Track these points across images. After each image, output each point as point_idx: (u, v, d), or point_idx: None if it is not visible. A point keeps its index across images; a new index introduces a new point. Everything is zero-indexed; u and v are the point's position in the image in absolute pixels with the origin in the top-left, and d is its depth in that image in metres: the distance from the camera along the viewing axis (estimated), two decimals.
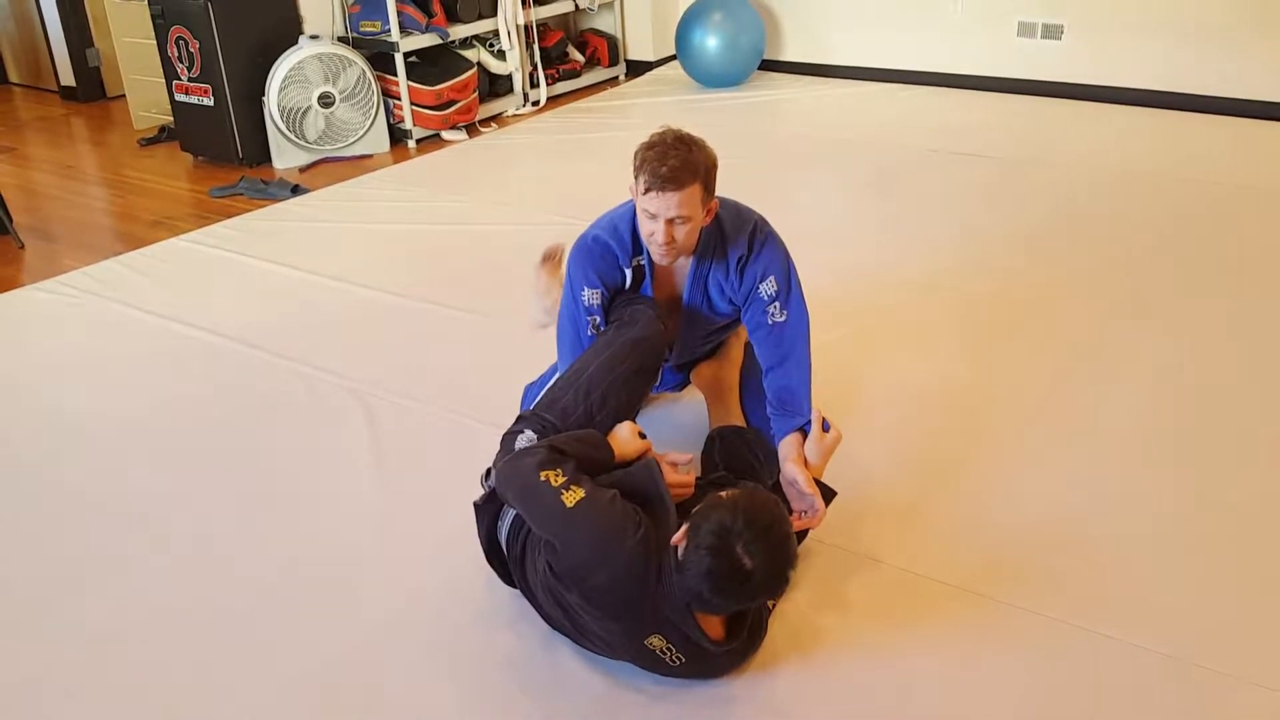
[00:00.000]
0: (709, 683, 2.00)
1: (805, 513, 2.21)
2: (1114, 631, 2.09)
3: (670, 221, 2.22)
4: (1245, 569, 2.26)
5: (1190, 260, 3.73)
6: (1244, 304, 3.39)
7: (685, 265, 2.42)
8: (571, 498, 1.93)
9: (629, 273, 2.43)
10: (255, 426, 2.94)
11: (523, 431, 2.22)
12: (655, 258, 2.35)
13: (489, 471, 2.22)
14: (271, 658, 2.12)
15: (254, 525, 2.53)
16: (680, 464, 2.22)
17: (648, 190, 2.20)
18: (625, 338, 2.34)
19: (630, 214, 2.40)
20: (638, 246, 2.41)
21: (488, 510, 2.19)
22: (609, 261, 2.41)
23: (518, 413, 2.78)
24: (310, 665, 2.09)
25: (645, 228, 2.28)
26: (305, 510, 2.57)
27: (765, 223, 2.42)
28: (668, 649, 1.94)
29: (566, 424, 2.24)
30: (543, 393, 2.35)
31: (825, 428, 2.26)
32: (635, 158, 2.24)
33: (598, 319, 2.42)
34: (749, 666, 2.04)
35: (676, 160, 2.18)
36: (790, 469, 2.23)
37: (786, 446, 2.29)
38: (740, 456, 2.48)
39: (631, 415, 2.32)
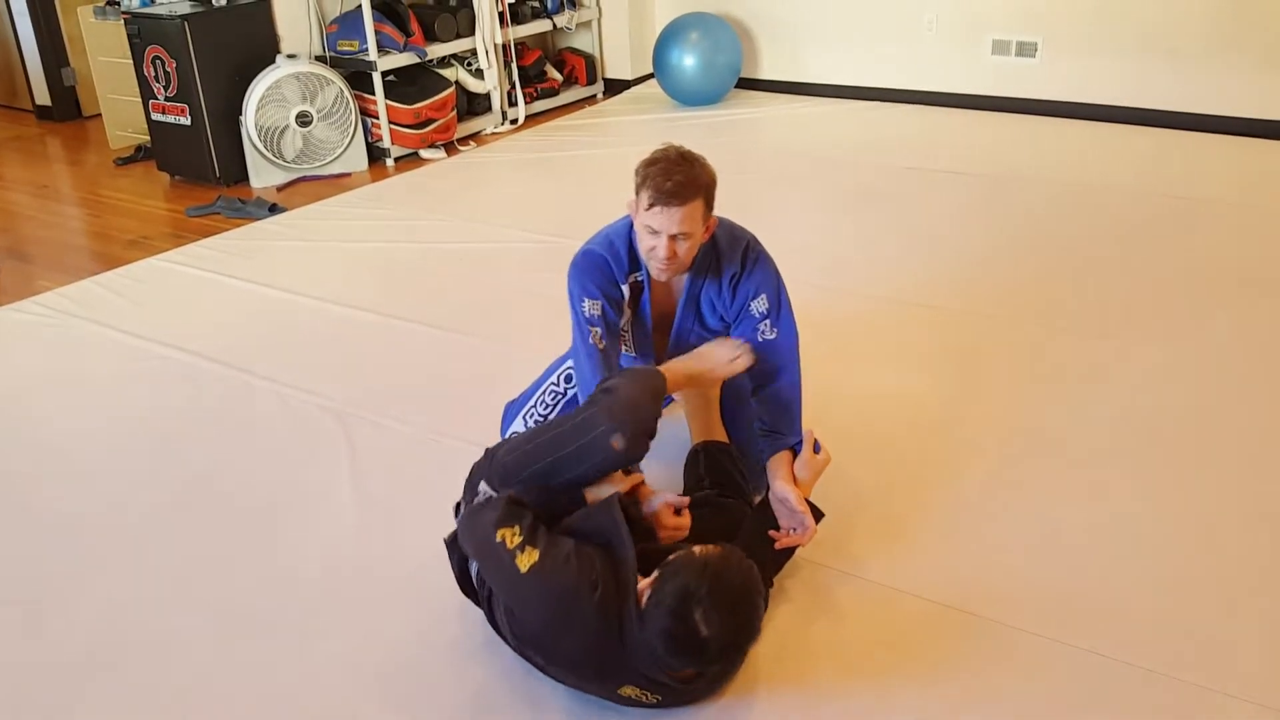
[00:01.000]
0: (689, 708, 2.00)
1: (794, 530, 2.22)
2: (1096, 646, 2.10)
3: (673, 238, 2.23)
4: (1225, 582, 2.27)
5: (1164, 275, 3.76)
6: (1219, 317, 3.43)
7: (680, 282, 2.44)
8: (526, 560, 1.85)
9: (625, 288, 2.44)
10: (232, 446, 2.92)
11: (482, 480, 2.15)
12: (654, 273, 2.36)
13: (458, 506, 2.20)
14: (248, 680, 2.10)
15: (231, 546, 2.51)
16: (679, 507, 2.17)
17: (651, 206, 2.21)
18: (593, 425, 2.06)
19: (626, 230, 2.41)
20: (634, 263, 2.42)
21: (458, 547, 2.13)
22: (606, 274, 2.42)
23: (499, 430, 2.80)
24: (287, 687, 2.08)
25: (646, 243, 2.29)
26: (282, 531, 2.56)
27: (757, 241, 2.44)
28: (641, 694, 1.92)
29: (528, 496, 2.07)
30: (514, 452, 2.15)
31: (816, 449, 2.28)
32: (637, 174, 2.25)
33: (599, 330, 2.41)
34: (731, 685, 2.04)
35: (681, 176, 2.20)
36: (781, 487, 2.24)
37: (776, 464, 2.30)
38: (724, 471, 2.48)
39: None
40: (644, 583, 1.86)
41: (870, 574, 2.33)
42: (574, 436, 2.06)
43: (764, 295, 2.38)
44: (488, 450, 2.21)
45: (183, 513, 2.64)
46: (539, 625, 1.90)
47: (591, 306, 2.41)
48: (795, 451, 2.31)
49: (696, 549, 1.85)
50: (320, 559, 2.45)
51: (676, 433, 2.74)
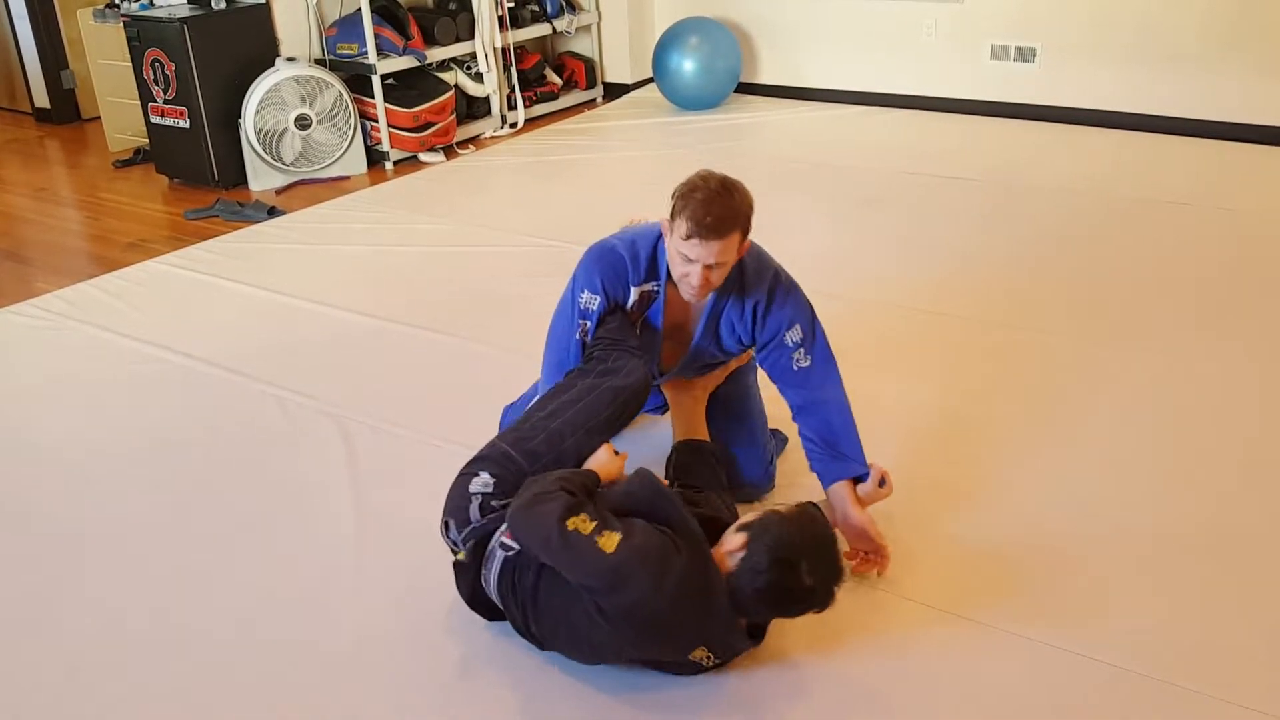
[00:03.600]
0: (678, 696, 1.99)
1: (869, 554, 2.30)
2: (1092, 652, 2.10)
3: (708, 267, 2.22)
4: (1222, 589, 2.27)
5: (1167, 281, 3.76)
6: (1222, 324, 3.43)
7: (701, 300, 2.40)
8: (609, 542, 1.89)
9: (634, 292, 2.41)
10: (230, 450, 2.92)
11: (478, 474, 2.16)
12: (686, 296, 2.33)
13: (447, 524, 2.15)
14: (247, 684, 2.10)
15: (230, 551, 2.50)
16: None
17: (690, 237, 2.18)
18: (606, 385, 2.28)
19: (654, 238, 2.40)
20: (652, 271, 2.40)
21: (469, 569, 2.13)
22: (619, 273, 2.40)
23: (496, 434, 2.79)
24: (287, 690, 2.07)
25: (679, 269, 2.26)
26: (282, 535, 2.55)
27: (785, 272, 2.44)
28: (707, 656, 1.99)
29: (534, 468, 2.16)
30: (511, 428, 2.28)
31: (881, 483, 2.33)
32: (675, 199, 2.21)
33: (589, 324, 2.41)
34: (727, 688, 2.03)
35: (721, 210, 2.16)
36: (857, 517, 2.29)
37: (841, 492, 2.33)
38: (688, 468, 2.51)
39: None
40: (728, 545, 1.95)
41: (869, 578, 2.32)
42: (597, 383, 2.28)
43: (798, 325, 2.39)
44: (480, 455, 2.21)
45: (180, 516, 2.64)
46: (637, 593, 1.88)
47: (589, 300, 2.40)
48: (857, 480, 2.33)
49: (778, 506, 1.98)
50: (318, 563, 2.45)
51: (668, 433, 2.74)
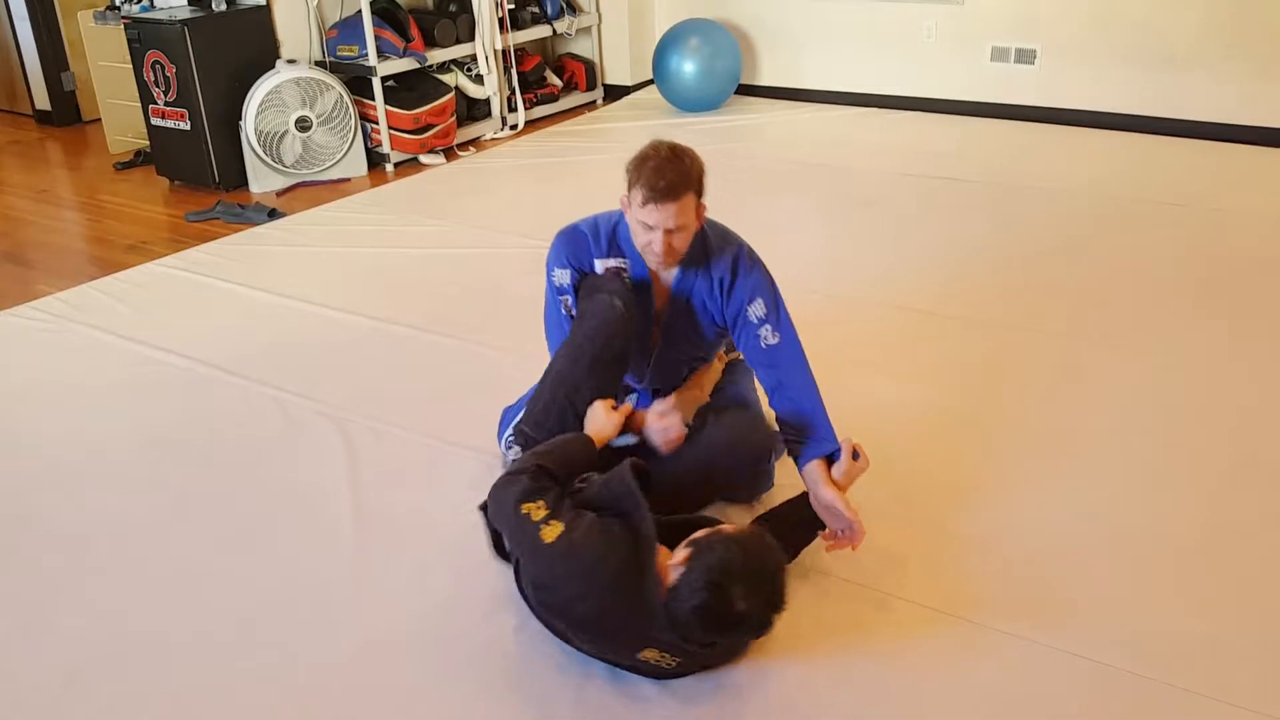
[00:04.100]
0: (678, 697, 2.00)
1: (843, 532, 2.27)
2: (1089, 653, 2.10)
3: (669, 232, 2.29)
4: (1219, 589, 2.27)
5: (1166, 282, 3.77)
6: (1222, 325, 3.43)
7: (670, 276, 2.49)
8: (551, 533, 1.94)
9: (599, 265, 2.50)
10: (230, 452, 2.92)
11: (512, 447, 2.36)
12: (651, 265, 2.42)
13: (484, 506, 2.23)
14: (247, 686, 2.09)
15: (230, 552, 2.50)
16: (664, 411, 2.34)
17: (646, 203, 2.26)
18: (583, 330, 2.41)
19: (615, 217, 2.49)
20: (615, 248, 2.48)
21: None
22: (582, 247, 2.51)
23: (496, 435, 2.80)
24: (286, 693, 2.07)
25: (642, 239, 2.34)
26: (281, 537, 2.55)
27: (749, 248, 2.48)
28: (661, 656, 1.98)
29: (541, 432, 2.32)
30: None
31: (855, 456, 2.29)
32: (629, 171, 2.30)
33: (569, 299, 2.51)
34: (722, 690, 2.03)
35: (673, 173, 2.26)
36: (826, 494, 2.26)
37: (815, 472, 2.30)
38: None
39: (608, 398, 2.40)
40: (674, 558, 1.93)
41: (868, 580, 2.32)
42: (576, 331, 2.42)
43: (760, 299, 2.40)
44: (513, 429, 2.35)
45: (180, 518, 2.64)
46: (563, 594, 1.97)
47: (560, 276, 2.52)
48: (833, 458, 2.31)
49: (727, 527, 1.96)
50: (318, 565, 2.44)
51: None
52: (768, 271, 2.46)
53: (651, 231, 2.30)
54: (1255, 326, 3.41)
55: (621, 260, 2.49)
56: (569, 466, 2.16)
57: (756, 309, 2.40)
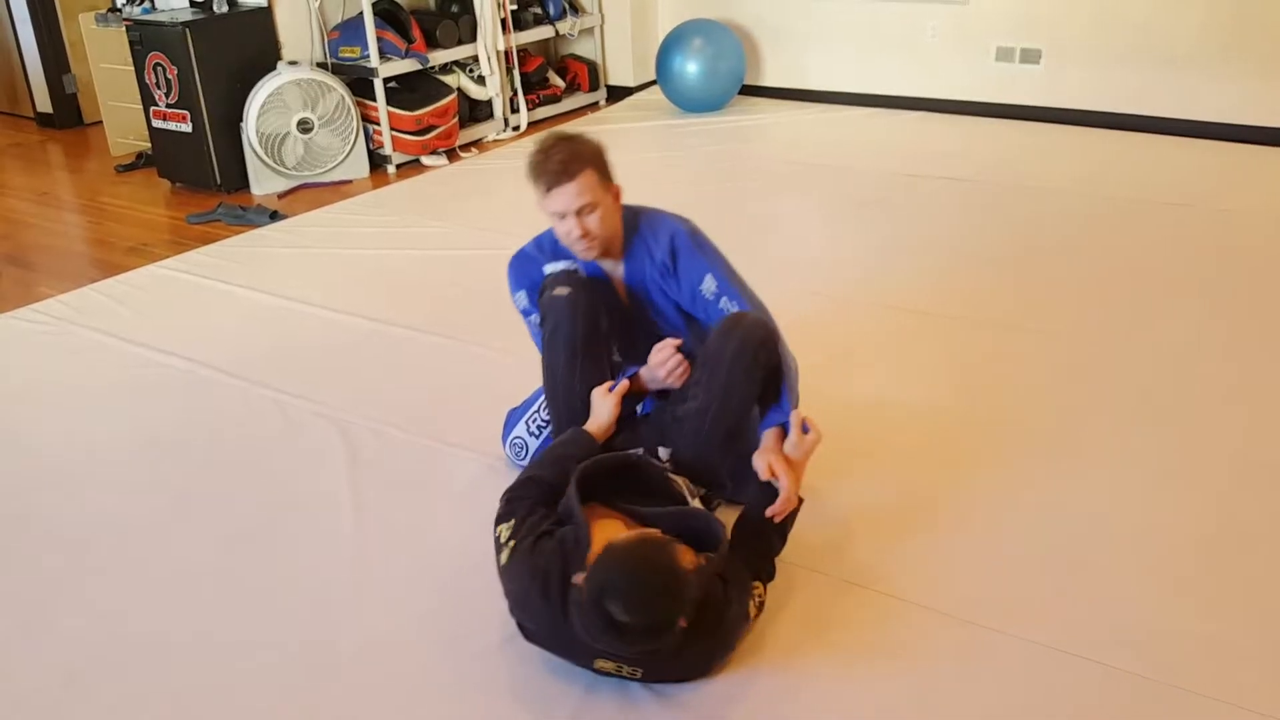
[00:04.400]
0: (682, 696, 1.98)
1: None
2: (1095, 655, 2.08)
3: (578, 214, 2.32)
4: (1225, 591, 2.25)
5: (1169, 282, 3.74)
6: (1224, 325, 3.41)
7: (620, 271, 2.51)
8: (505, 554, 2.04)
9: (548, 269, 2.53)
10: (231, 454, 2.90)
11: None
12: (581, 256, 2.44)
13: None
14: (248, 687, 2.08)
15: (230, 554, 2.49)
16: (658, 349, 2.38)
17: (547, 191, 2.31)
18: (547, 332, 2.45)
19: (551, 231, 2.52)
20: (559, 256, 2.52)
21: None
22: (530, 266, 2.56)
23: (500, 437, 2.79)
24: (287, 694, 2.06)
25: (561, 231, 2.38)
26: (282, 538, 2.54)
27: (688, 228, 2.47)
28: (618, 667, 1.98)
29: (554, 433, 2.47)
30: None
31: (805, 429, 2.26)
32: (528, 173, 2.34)
33: (536, 316, 2.53)
34: (728, 693, 2.01)
35: (562, 154, 2.31)
36: (755, 459, 2.26)
37: (766, 438, 2.30)
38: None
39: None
40: (576, 577, 1.95)
41: (871, 582, 2.31)
42: (544, 346, 2.47)
43: (709, 276, 2.41)
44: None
45: (181, 521, 2.63)
46: (514, 608, 2.06)
47: (519, 299, 2.59)
48: (786, 430, 2.28)
49: (621, 537, 1.92)
50: (319, 566, 2.43)
51: None
52: (709, 244, 2.46)
53: (564, 220, 2.33)
54: (1259, 326, 3.39)
55: (569, 263, 2.51)
56: (561, 465, 2.19)
57: (709, 286, 2.41)
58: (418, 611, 2.27)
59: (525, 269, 2.57)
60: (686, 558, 1.91)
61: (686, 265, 2.42)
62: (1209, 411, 2.93)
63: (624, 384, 2.42)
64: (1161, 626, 2.15)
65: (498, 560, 2.07)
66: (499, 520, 2.11)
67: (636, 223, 2.48)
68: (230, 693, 2.08)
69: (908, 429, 2.90)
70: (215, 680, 2.11)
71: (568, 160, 2.29)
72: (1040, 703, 1.98)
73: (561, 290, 2.42)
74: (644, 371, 2.45)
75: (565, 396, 2.44)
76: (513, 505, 2.13)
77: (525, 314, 2.59)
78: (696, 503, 2.23)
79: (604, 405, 2.37)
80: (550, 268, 2.52)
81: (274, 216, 4.82)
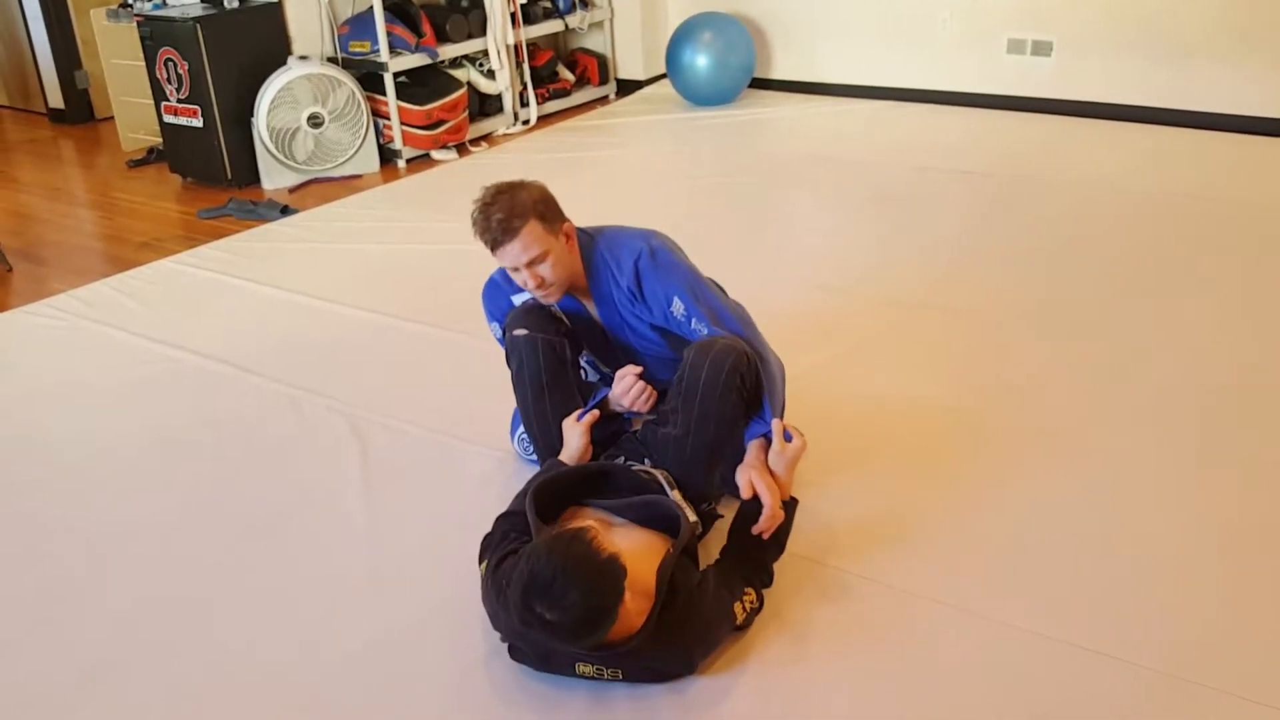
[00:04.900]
0: (682, 697, 1.98)
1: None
2: (1104, 647, 2.07)
3: (529, 266, 2.31)
4: (1233, 583, 2.24)
5: (1182, 276, 3.72)
6: (1238, 320, 3.39)
7: (590, 302, 2.50)
8: (481, 580, 2.13)
9: (517, 300, 2.55)
10: (242, 448, 2.91)
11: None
12: (542, 301, 2.44)
13: None
14: (258, 684, 2.09)
15: (241, 549, 2.50)
16: (620, 378, 2.39)
17: (493, 249, 2.30)
18: (514, 378, 2.49)
19: None
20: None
21: None
22: (499, 295, 2.60)
23: (508, 433, 2.79)
24: (297, 690, 2.06)
25: (518, 280, 2.37)
26: (293, 533, 2.54)
27: (649, 246, 2.41)
28: (598, 670, 1.98)
29: (540, 468, 2.47)
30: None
31: (787, 438, 2.24)
32: (471, 228, 2.32)
33: None
34: (734, 687, 2.01)
35: (500, 212, 2.27)
36: (738, 475, 2.23)
37: (749, 451, 2.28)
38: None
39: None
40: None
41: (878, 575, 2.30)
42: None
43: (675, 298, 2.38)
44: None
45: (193, 515, 2.63)
46: (497, 629, 2.09)
47: (494, 329, 2.64)
48: (769, 439, 2.27)
49: (543, 538, 1.94)
50: (329, 561, 2.44)
51: None
52: (672, 259, 2.41)
53: (517, 272, 2.33)
54: (1277, 322, 3.37)
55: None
56: (537, 496, 2.19)
57: (677, 308, 2.38)
58: (429, 607, 2.27)
59: (495, 300, 2.60)
60: (646, 544, 2.02)
61: (652, 289, 2.39)
62: (1222, 407, 2.91)
63: (593, 414, 2.41)
64: (1167, 618, 2.14)
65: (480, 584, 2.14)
66: (479, 556, 2.19)
67: (596, 248, 2.45)
68: (238, 688, 2.08)
69: (916, 422, 2.89)
70: (223, 676, 2.11)
71: (507, 217, 2.26)
72: (1045, 696, 1.97)
73: (520, 331, 2.43)
74: (610, 398, 2.44)
75: (540, 429, 2.47)
76: (487, 539, 2.21)
77: (500, 341, 2.59)
78: (676, 493, 2.23)
79: (574, 435, 2.40)
80: (518, 298, 2.53)
81: (285, 211, 4.83)
